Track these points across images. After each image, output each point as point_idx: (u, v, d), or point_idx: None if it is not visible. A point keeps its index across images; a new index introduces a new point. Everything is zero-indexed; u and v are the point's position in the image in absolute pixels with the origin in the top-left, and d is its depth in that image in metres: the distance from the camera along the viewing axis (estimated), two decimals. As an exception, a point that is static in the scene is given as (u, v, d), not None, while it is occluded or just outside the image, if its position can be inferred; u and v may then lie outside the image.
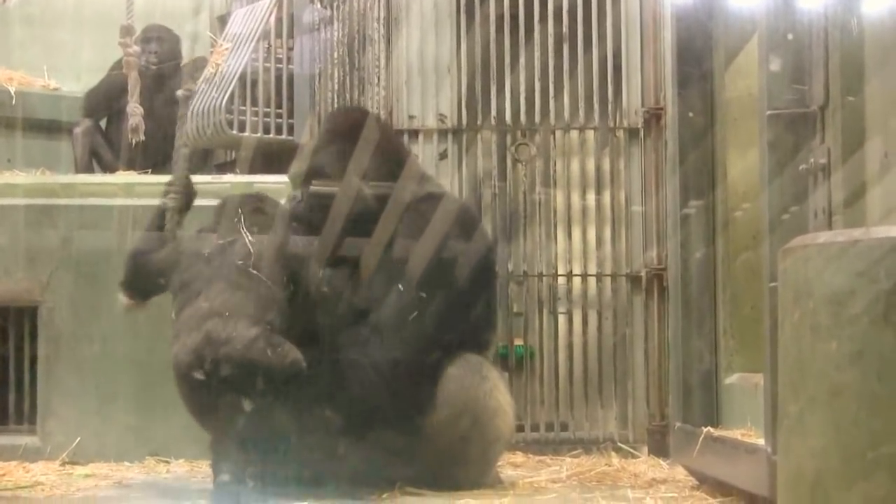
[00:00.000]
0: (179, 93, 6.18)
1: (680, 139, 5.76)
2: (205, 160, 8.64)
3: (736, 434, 4.93)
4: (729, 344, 5.57)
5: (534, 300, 6.92)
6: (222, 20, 8.74)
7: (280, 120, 7.85)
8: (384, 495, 4.99)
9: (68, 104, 9.05)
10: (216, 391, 4.95)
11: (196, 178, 6.44)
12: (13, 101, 8.77)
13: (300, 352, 4.97)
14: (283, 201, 5.67)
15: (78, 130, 8.73)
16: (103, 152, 8.76)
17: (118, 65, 8.26)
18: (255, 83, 7.81)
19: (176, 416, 6.37)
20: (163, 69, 8.79)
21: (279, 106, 7.85)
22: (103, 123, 8.99)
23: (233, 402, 4.95)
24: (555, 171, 6.94)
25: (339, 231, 5.36)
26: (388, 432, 5.24)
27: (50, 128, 9.00)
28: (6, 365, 6.54)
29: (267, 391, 4.94)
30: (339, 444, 5.12)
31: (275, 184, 6.66)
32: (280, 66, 7.92)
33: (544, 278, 6.83)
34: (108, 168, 8.60)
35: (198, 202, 6.51)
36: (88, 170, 8.62)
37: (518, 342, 6.90)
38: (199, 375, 4.95)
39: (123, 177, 7.26)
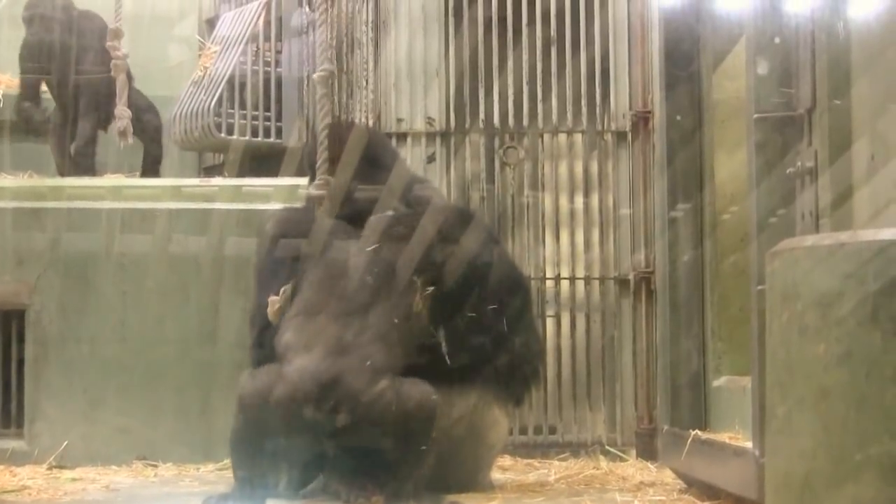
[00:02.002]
0: (316, 75, 6.02)
1: (668, 142, 5.77)
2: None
3: (724, 437, 4.94)
4: (717, 346, 5.58)
5: (522, 303, 6.91)
6: (211, 23, 8.73)
7: (268, 123, 7.85)
8: (374, 498, 4.98)
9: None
10: (314, 432, 4.81)
11: (184, 182, 6.46)
12: (1, 104, 8.75)
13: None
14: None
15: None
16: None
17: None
18: (243, 86, 7.81)
19: (164, 420, 6.39)
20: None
21: (267, 109, 7.85)
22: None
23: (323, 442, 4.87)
24: (543, 174, 6.95)
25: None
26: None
27: (38, 130, 8.97)
28: (-6, 368, 6.54)
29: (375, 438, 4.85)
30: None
31: (262, 187, 6.66)
32: (268, 69, 7.92)
33: (532, 281, 6.82)
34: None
35: (187, 205, 6.53)
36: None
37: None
38: (307, 412, 4.76)
39: (111, 180, 7.26)
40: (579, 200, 6.97)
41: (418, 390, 4.85)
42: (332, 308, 5.00)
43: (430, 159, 6.97)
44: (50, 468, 6.20)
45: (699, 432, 5.12)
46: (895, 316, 2.73)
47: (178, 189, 6.67)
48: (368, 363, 4.83)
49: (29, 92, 8.10)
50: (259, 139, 7.81)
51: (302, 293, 5.11)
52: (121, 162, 8.07)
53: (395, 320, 4.95)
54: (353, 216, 5.34)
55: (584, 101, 6.96)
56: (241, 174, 7.37)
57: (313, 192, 5.52)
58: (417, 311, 4.99)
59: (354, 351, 4.87)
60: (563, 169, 7.00)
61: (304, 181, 6.35)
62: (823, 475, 2.82)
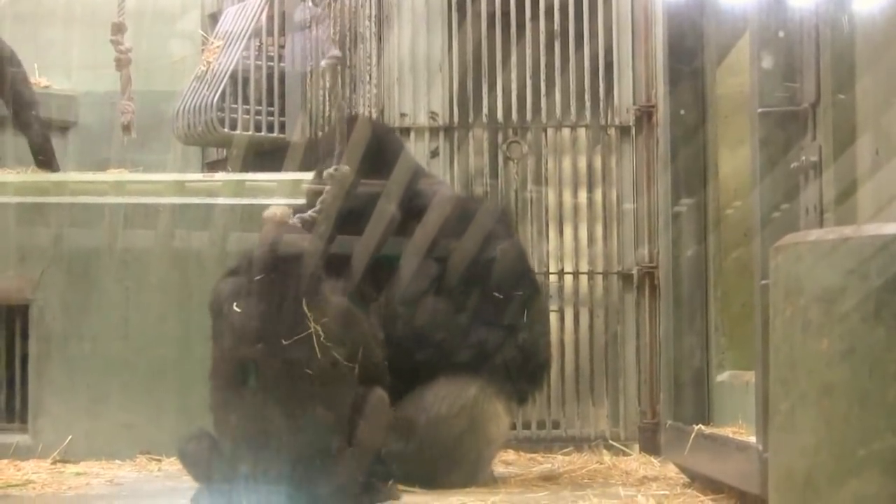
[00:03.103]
0: (324, 62, 5.93)
1: (671, 136, 5.76)
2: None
3: (727, 431, 4.94)
4: (720, 341, 5.58)
5: (525, 298, 6.91)
6: (214, 18, 8.73)
7: (271, 118, 7.85)
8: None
9: (59, 102, 9.04)
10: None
11: (187, 177, 6.44)
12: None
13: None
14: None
15: None
16: None
17: None
18: (246, 81, 7.80)
19: (167, 415, 6.38)
20: None
21: (270, 104, 7.85)
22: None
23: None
24: (546, 168, 6.94)
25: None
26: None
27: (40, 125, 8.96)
28: (-2, 363, 6.55)
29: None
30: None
31: (266, 182, 6.66)
32: (271, 63, 7.91)
33: (536, 276, 6.83)
34: None
35: (190, 200, 6.52)
36: None
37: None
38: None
39: (115, 175, 7.26)
40: (583, 195, 6.97)
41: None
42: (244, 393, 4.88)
43: (434, 154, 6.96)
44: (54, 462, 6.21)
45: (702, 427, 5.12)
46: (899, 312, 2.72)
47: (181, 184, 6.67)
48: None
49: None
50: (262, 134, 7.81)
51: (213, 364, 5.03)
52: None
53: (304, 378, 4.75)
54: (353, 217, 5.32)
55: (587, 96, 6.95)
56: (244, 169, 7.36)
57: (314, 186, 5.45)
58: (321, 343, 4.73)
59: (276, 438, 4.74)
60: (566, 164, 6.99)
61: (307, 176, 6.35)
62: (826, 471, 2.81)
